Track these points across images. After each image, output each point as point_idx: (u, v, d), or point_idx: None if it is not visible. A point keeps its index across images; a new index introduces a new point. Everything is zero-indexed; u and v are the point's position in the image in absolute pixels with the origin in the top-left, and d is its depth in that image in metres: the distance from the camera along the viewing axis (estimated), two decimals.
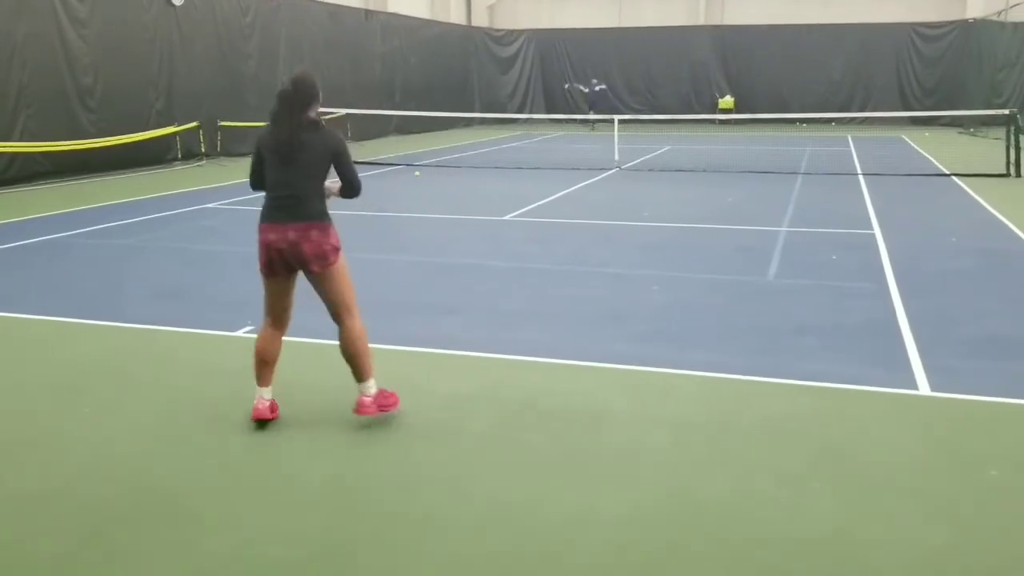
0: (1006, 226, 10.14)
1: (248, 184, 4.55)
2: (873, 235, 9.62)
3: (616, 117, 19.15)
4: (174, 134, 17.26)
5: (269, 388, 4.49)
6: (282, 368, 4.57)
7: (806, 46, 29.92)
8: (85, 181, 14.93)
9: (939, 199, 12.53)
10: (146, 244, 9.51)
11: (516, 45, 33.22)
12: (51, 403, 4.88)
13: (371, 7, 25.92)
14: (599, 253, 8.95)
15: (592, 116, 27.51)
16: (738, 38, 30.81)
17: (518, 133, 28.16)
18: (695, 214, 11.30)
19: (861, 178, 14.94)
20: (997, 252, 8.84)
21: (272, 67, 20.39)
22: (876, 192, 13.08)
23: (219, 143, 18.40)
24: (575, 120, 28.80)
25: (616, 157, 17.36)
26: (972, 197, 12.53)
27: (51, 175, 14.77)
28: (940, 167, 16.52)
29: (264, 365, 4.49)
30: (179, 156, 17.50)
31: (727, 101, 29.42)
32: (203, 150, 17.96)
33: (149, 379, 5.22)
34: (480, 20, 33.63)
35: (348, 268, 4.46)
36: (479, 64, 32.43)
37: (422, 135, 25.97)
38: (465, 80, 31.37)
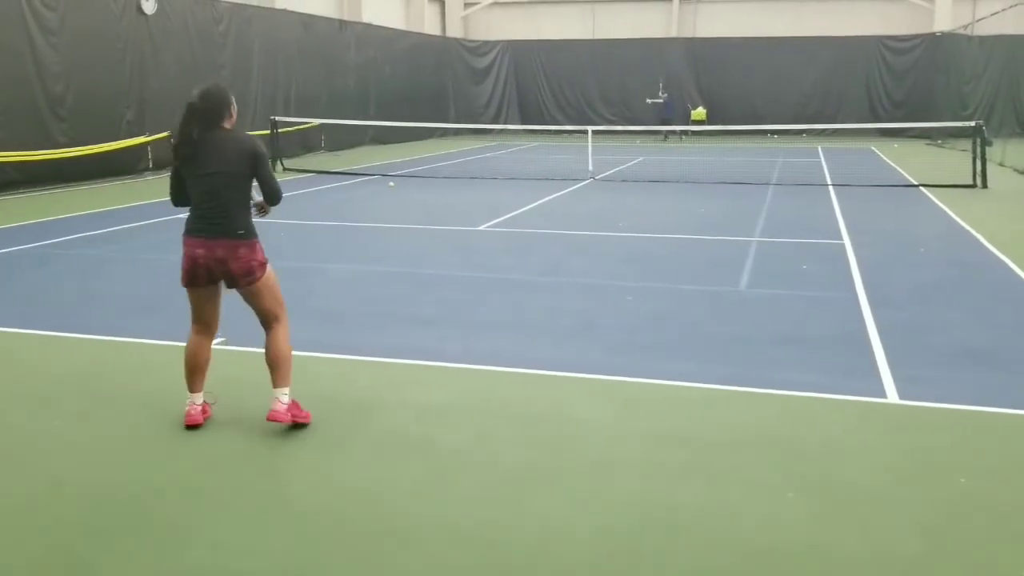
0: (974, 236, 10.30)
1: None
2: (843, 245, 9.74)
3: (590, 128, 19.26)
4: (145, 144, 17.11)
5: (200, 394, 4.61)
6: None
7: (778, 58, 30.27)
8: (55, 191, 14.78)
9: (908, 210, 12.71)
10: (119, 255, 9.42)
11: (491, 56, 33.31)
12: (20, 416, 4.81)
13: (346, 17, 25.90)
14: (574, 263, 8.99)
15: (664, 128, 27.30)
16: (711, 50, 31.11)
17: (493, 143, 28.21)
18: (668, 225, 11.38)
19: (831, 189, 15.13)
20: (965, 263, 8.98)
21: (246, 77, 20.29)
22: (846, 203, 13.24)
23: None
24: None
25: (590, 168, 17.46)
26: (940, 208, 12.72)
27: (21, 185, 14.62)
28: (908, 178, 16.76)
29: (194, 372, 4.58)
30: (150, 166, 17.35)
31: (699, 112, 29.68)
32: None
33: (120, 391, 5.16)
34: (455, 31, 33.71)
35: (276, 278, 4.58)
36: (454, 74, 32.47)
37: (397, 145, 25.94)
38: (440, 90, 31.38)
